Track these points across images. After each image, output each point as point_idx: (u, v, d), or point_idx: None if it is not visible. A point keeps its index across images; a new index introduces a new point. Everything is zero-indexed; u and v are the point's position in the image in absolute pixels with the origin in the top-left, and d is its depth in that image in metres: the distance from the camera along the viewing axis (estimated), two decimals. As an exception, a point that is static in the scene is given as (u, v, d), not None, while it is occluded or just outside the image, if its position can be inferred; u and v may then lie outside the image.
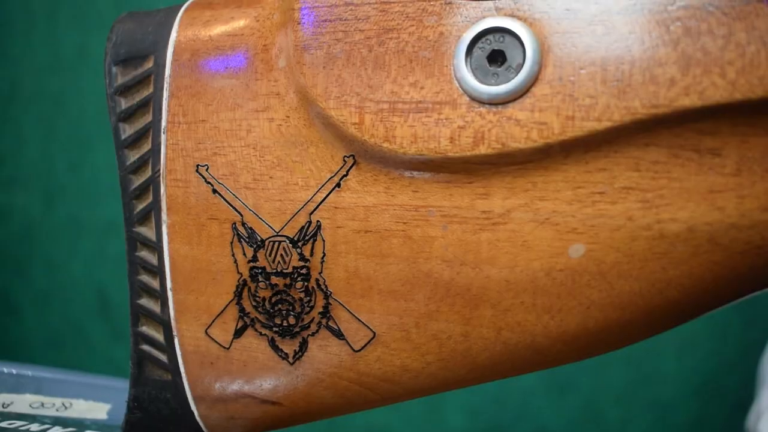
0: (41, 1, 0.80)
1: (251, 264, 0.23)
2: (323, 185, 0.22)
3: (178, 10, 0.25)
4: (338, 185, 0.22)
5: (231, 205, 0.23)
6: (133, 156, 0.24)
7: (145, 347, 0.24)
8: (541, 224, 0.20)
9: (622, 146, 0.19)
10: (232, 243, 0.23)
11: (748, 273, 0.19)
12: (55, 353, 0.84)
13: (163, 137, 0.24)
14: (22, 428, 0.29)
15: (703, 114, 0.19)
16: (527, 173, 0.20)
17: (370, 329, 0.22)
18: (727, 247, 0.19)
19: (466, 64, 0.20)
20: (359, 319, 0.22)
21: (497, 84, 0.20)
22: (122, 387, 0.26)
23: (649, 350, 0.70)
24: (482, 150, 0.20)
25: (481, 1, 0.20)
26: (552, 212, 0.20)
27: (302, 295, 0.22)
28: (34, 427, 0.29)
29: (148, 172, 0.24)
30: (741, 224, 0.19)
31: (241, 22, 0.23)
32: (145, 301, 0.24)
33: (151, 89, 0.24)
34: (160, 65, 0.24)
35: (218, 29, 0.24)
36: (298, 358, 0.23)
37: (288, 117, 0.22)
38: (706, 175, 0.19)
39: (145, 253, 0.24)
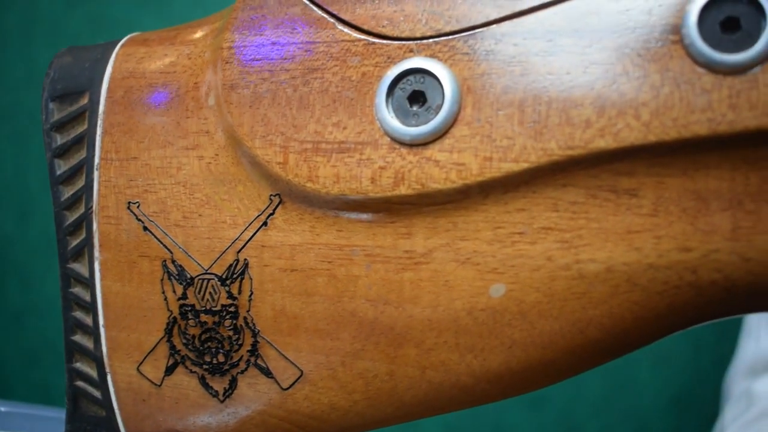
0: (16, 18, 0.81)
1: (181, 301, 0.23)
2: (250, 224, 0.22)
3: (115, 46, 0.25)
4: (265, 224, 0.22)
5: (161, 243, 0.23)
6: (67, 192, 0.24)
7: (80, 383, 0.24)
8: (462, 264, 0.20)
9: (541, 187, 0.20)
10: (162, 280, 0.23)
11: (667, 312, 0.20)
12: (30, 370, 0.84)
13: (96, 174, 0.24)
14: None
15: (619, 155, 0.19)
16: (448, 213, 0.20)
17: (298, 367, 0.22)
18: (645, 287, 0.19)
19: (387, 105, 0.20)
20: (287, 357, 0.22)
21: (417, 125, 0.20)
22: (64, 419, 0.26)
23: (625, 361, 0.70)
24: (402, 190, 0.20)
25: (402, 42, 0.20)
26: (473, 252, 0.20)
27: (231, 333, 0.22)
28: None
29: (82, 209, 0.24)
30: (658, 264, 0.19)
31: (173, 60, 0.23)
32: (78, 338, 0.24)
33: (85, 126, 0.24)
34: (94, 102, 0.24)
35: (151, 66, 0.24)
36: (228, 396, 0.23)
37: (217, 155, 0.22)
38: (624, 215, 0.19)
39: (78, 290, 0.24)
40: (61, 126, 0.24)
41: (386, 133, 0.20)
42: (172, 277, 0.23)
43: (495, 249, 0.20)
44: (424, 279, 0.20)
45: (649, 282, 0.19)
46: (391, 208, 0.20)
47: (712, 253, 0.19)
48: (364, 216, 0.21)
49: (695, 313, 0.20)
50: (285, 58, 0.21)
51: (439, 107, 0.20)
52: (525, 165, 0.19)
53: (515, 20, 0.20)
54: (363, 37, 0.21)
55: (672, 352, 0.70)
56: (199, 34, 0.24)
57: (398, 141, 0.20)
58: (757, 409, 0.51)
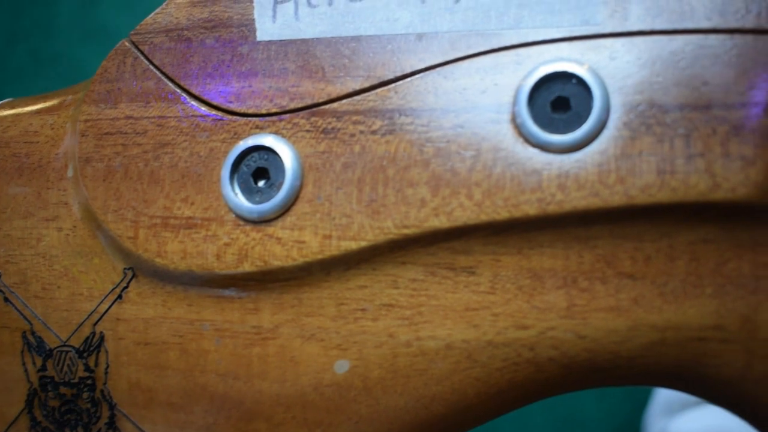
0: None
1: (41, 373, 0.23)
2: (106, 296, 0.22)
3: (-14, 112, 0.25)
4: (119, 297, 0.22)
5: (21, 314, 0.23)
6: (-66, 261, 0.24)
7: (-53, 453, 0.24)
8: (307, 340, 0.20)
9: (380, 264, 0.20)
10: (22, 352, 0.23)
11: (509, 388, 0.20)
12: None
13: None
14: None
15: (455, 234, 0.19)
16: (292, 290, 0.20)
17: (154, 441, 0.22)
18: (485, 363, 0.19)
19: (232, 181, 0.20)
20: (143, 431, 0.22)
21: (261, 201, 0.20)
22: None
23: (569, 395, 0.70)
24: (246, 267, 0.20)
25: (249, 118, 0.20)
26: (317, 328, 0.20)
27: (89, 405, 0.22)
28: None
29: (-53, 278, 0.24)
30: (497, 341, 0.19)
31: (37, 130, 0.23)
32: (-55, 407, 0.24)
33: None
34: None
35: (16, 135, 0.24)
36: (88, 468, 0.23)
37: (75, 227, 0.22)
38: (462, 293, 0.19)
39: (-56, 359, 0.24)
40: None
41: (231, 210, 0.20)
42: (31, 349, 0.23)
43: (339, 325, 0.20)
44: (271, 354, 0.20)
45: (489, 359, 0.19)
46: (238, 284, 0.20)
47: (549, 331, 0.19)
48: (213, 291, 0.21)
49: (537, 389, 0.20)
50: (138, 132, 0.21)
51: (281, 184, 0.20)
52: (363, 243, 0.19)
53: (355, 98, 0.20)
54: (212, 113, 0.21)
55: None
56: (63, 104, 0.24)
57: (242, 218, 0.20)
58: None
